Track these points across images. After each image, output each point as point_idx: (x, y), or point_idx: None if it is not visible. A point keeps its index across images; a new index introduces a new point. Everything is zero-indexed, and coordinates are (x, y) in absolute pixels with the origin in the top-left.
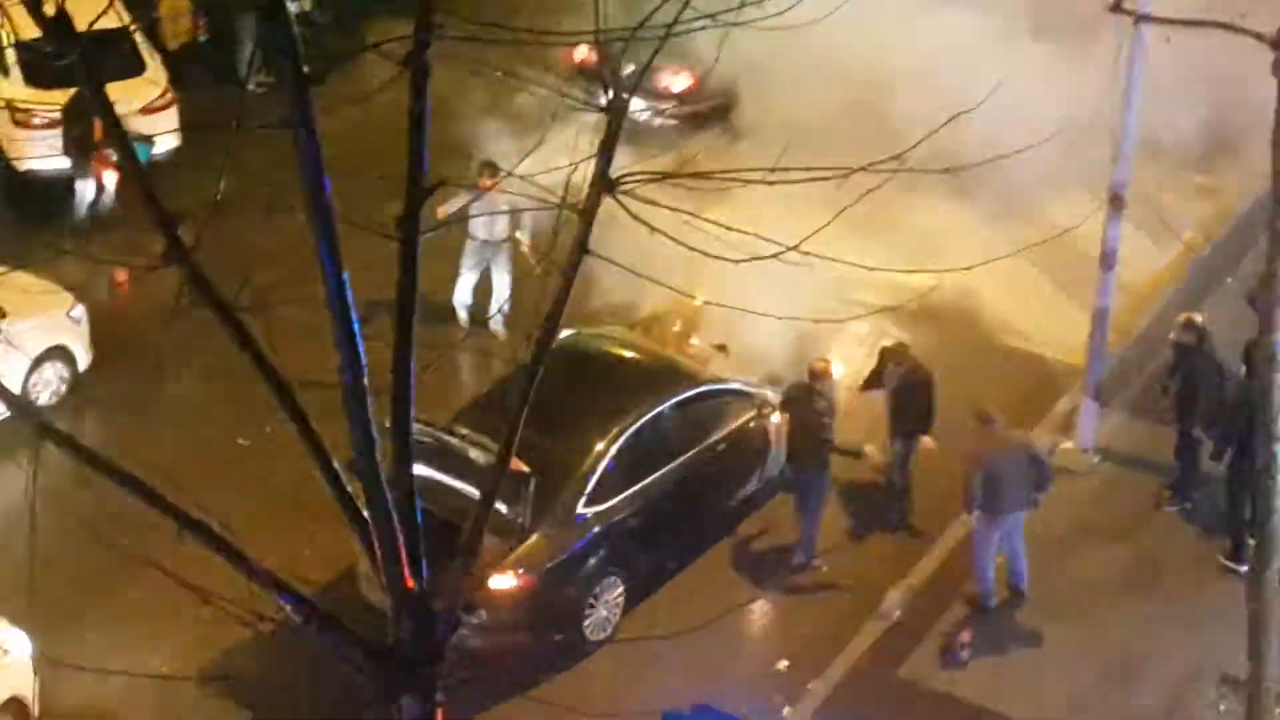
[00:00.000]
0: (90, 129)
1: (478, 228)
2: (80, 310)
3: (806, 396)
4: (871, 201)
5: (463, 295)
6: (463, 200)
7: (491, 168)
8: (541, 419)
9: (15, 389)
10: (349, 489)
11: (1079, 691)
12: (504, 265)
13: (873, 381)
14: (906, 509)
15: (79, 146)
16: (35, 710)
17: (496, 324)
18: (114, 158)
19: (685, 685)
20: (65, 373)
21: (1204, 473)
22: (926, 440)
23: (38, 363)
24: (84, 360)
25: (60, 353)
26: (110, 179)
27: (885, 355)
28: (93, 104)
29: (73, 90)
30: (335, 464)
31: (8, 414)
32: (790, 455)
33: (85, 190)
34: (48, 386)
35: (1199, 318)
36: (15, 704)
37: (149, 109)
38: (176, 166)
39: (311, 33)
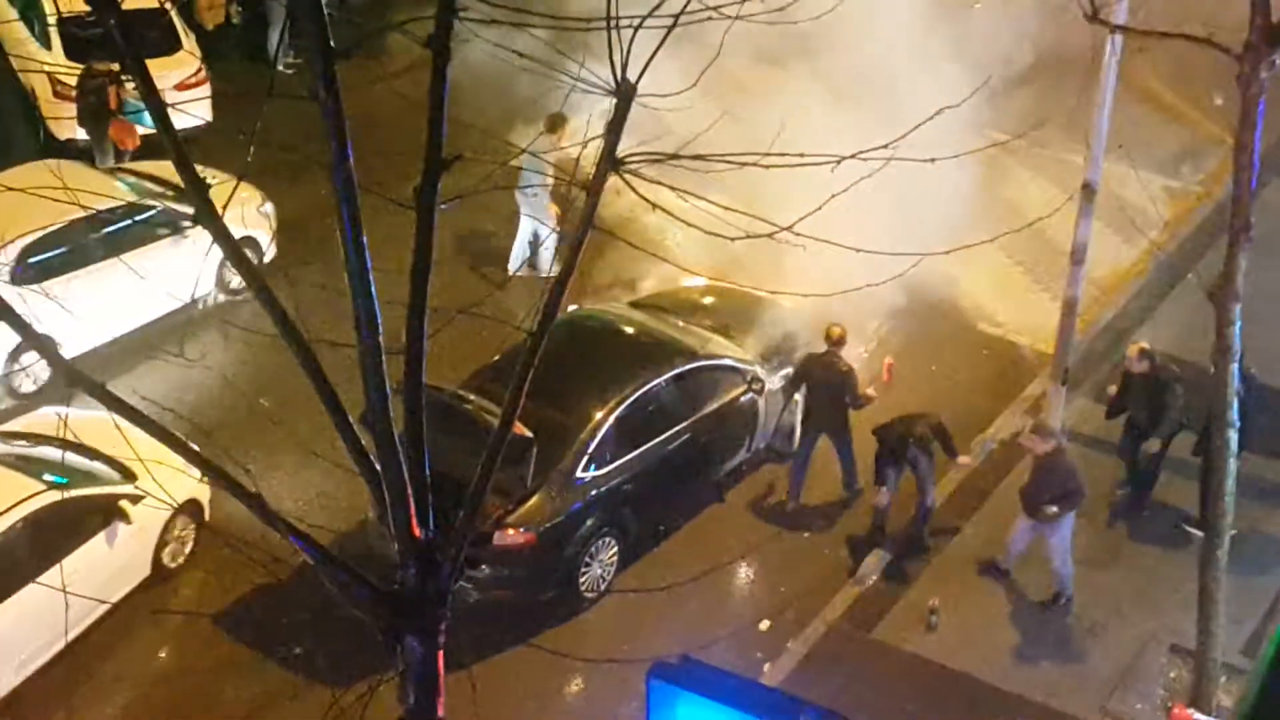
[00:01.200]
0: (105, 100)
1: (531, 178)
2: (269, 206)
3: (828, 361)
4: (861, 190)
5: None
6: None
7: (559, 119)
8: (545, 388)
9: (212, 275)
10: (362, 442)
11: (1038, 656)
12: (543, 212)
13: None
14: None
15: (94, 117)
16: (208, 513)
17: (544, 265)
18: (129, 126)
19: (673, 640)
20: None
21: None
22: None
23: None
24: (269, 252)
25: (250, 243)
26: (131, 142)
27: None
28: (119, 77)
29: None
30: (350, 419)
31: None
32: (810, 421)
33: (103, 160)
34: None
35: (1147, 345)
36: (193, 504)
37: (183, 84)
38: (207, 140)
39: (342, 12)
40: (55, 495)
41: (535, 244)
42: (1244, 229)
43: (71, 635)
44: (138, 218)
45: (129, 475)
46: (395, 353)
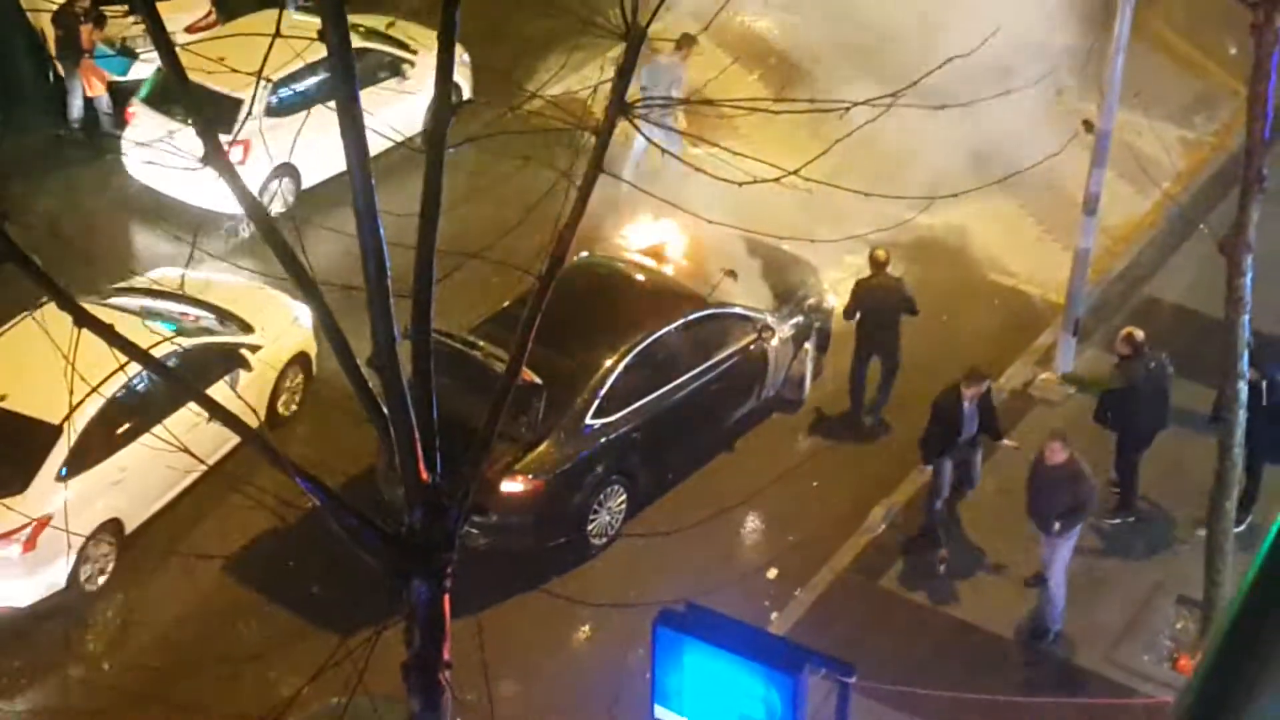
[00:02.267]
0: (76, 37)
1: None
2: (466, 56)
3: (879, 282)
4: (867, 138)
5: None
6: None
7: (689, 38)
8: (555, 335)
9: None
10: (370, 385)
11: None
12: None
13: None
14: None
15: (66, 51)
16: (314, 368)
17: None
18: (98, 70)
19: (680, 588)
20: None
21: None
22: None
23: None
24: (466, 93)
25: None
26: (98, 87)
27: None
28: (98, 16)
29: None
30: (357, 360)
31: None
32: (863, 345)
33: (72, 97)
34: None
35: (1139, 334)
36: (303, 357)
37: (193, 27)
38: None
39: None
40: (184, 342)
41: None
42: (1257, 180)
43: (196, 475)
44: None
45: (247, 327)
46: (403, 296)
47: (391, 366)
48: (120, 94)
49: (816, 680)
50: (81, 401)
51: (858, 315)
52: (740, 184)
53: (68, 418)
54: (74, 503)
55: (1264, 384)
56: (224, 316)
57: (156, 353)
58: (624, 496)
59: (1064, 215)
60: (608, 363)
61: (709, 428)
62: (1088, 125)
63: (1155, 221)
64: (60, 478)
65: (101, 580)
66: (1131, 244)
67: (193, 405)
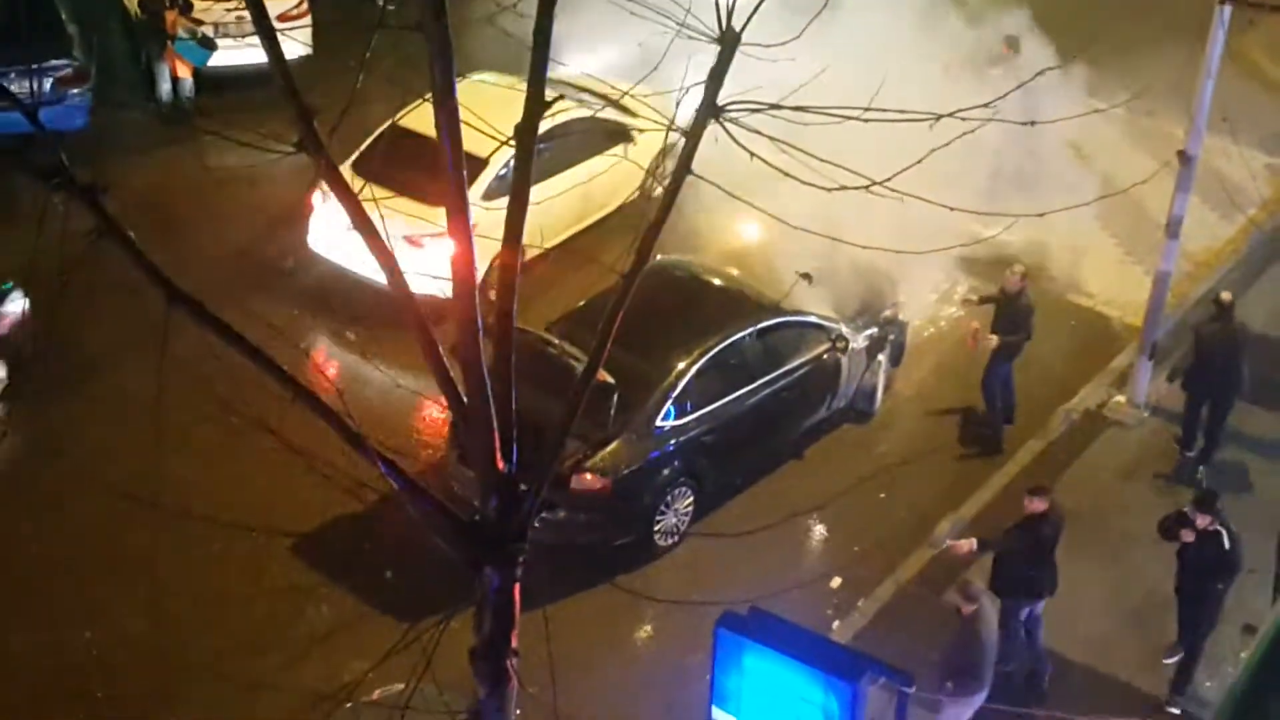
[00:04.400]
0: (161, 23)
1: None
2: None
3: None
4: (952, 155)
5: None
6: None
7: (1015, 40)
8: (629, 336)
9: None
10: (450, 374)
11: (1107, 630)
12: None
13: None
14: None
15: (151, 36)
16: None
17: None
18: (181, 56)
19: (743, 593)
20: None
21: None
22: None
23: None
24: None
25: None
26: (183, 70)
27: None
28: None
29: None
30: (440, 350)
31: None
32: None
33: (160, 80)
34: None
35: (1226, 296)
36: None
37: (285, 16)
38: (309, 71)
39: None
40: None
41: None
42: None
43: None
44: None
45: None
46: (488, 286)
47: (474, 356)
48: (204, 81)
49: (876, 690)
50: None
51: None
52: (830, 190)
53: None
54: None
55: None
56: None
57: None
58: (691, 499)
59: (1146, 238)
60: (681, 365)
61: (779, 435)
62: (1182, 156)
63: (1238, 248)
64: None
65: None
66: (1213, 269)
67: None
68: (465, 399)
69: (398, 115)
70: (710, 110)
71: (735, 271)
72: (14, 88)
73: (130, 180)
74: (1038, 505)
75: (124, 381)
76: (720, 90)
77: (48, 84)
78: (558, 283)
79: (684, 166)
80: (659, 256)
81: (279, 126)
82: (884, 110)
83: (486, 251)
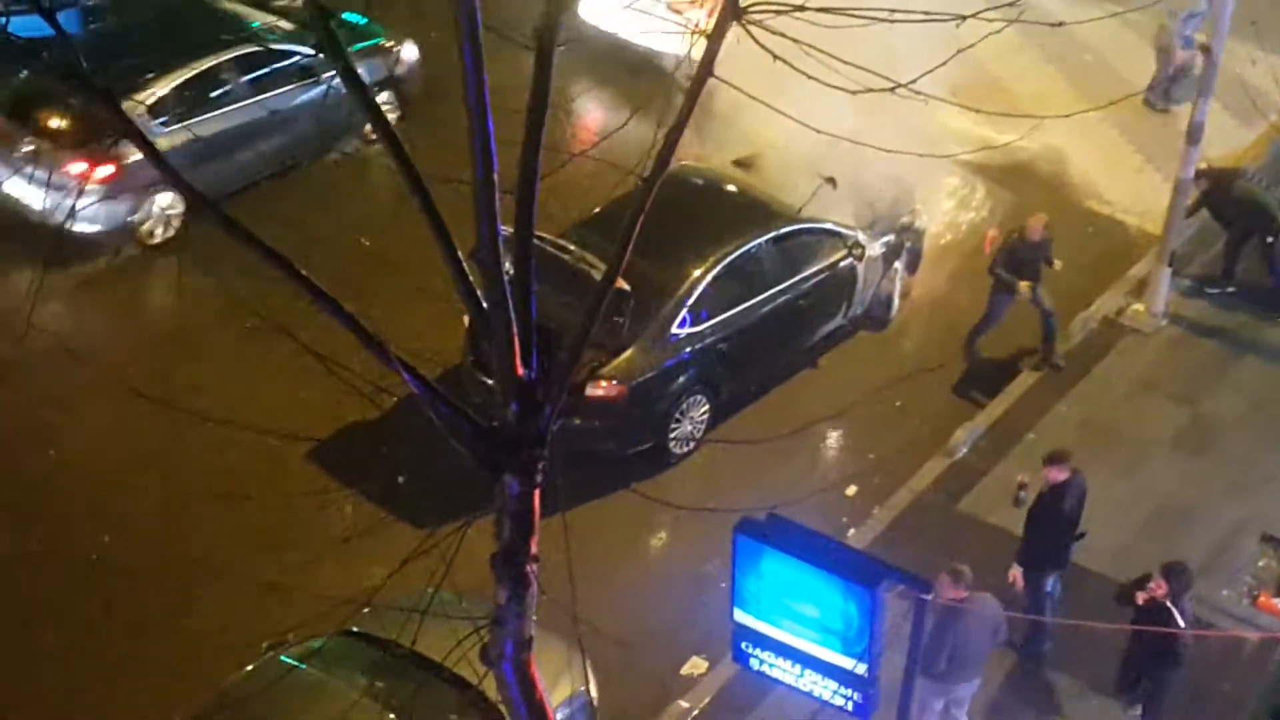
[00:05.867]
0: None
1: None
2: None
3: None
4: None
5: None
6: None
7: None
8: (644, 243)
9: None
10: (470, 278)
11: (1125, 540)
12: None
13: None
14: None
15: None
16: None
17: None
18: None
19: (759, 500)
20: None
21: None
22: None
23: None
24: None
25: None
26: None
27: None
28: None
29: None
30: (459, 254)
31: None
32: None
33: None
34: None
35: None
36: None
37: None
38: None
39: None
40: None
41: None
42: None
43: None
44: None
45: None
46: (507, 192)
47: (494, 261)
48: None
49: (892, 599)
50: None
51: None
52: (854, 92)
53: None
54: None
55: None
56: None
57: None
58: (706, 407)
59: (1166, 145)
60: (696, 273)
61: (794, 343)
62: (1205, 49)
63: (1259, 155)
64: None
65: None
66: None
67: None
68: (485, 304)
69: None
70: (733, 12)
71: (751, 178)
72: None
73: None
74: (1057, 474)
75: (140, 282)
76: None
77: None
78: (576, 188)
79: (705, 69)
80: (675, 163)
81: None
82: (909, 12)
83: None
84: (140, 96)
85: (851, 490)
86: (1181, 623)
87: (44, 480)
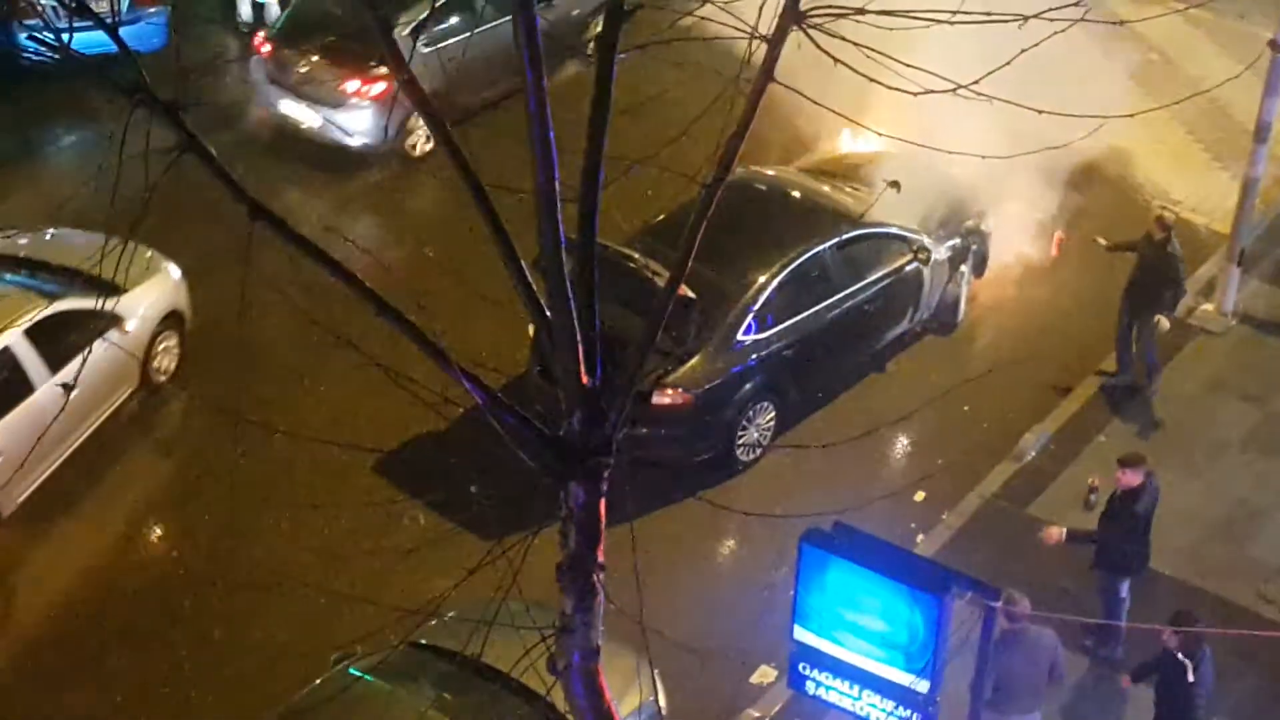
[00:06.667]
0: None
1: None
2: None
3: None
4: (1038, 60)
5: None
6: None
7: None
8: (709, 249)
9: None
10: (534, 288)
11: (1197, 538)
12: None
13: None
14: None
15: None
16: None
17: None
18: None
19: (826, 507)
20: None
21: None
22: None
23: None
24: None
25: None
26: None
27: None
28: None
29: None
30: (523, 263)
31: None
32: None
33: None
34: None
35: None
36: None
37: None
38: None
39: None
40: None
41: None
42: None
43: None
44: None
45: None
46: (569, 200)
47: (557, 269)
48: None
49: (961, 606)
50: None
51: None
52: (915, 94)
53: None
54: None
55: None
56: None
57: None
58: (773, 413)
59: (1233, 143)
60: (761, 279)
61: (861, 348)
62: (1274, 45)
63: None
64: None
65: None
66: None
67: None
68: (549, 312)
69: None
70: (792, 15)
71: (816, 183)
72: (94, 7)
73: (213, 98)
74: (1132, 478)
75: (205, 298)
76: None
77: (124, 3)
78: (638, 197)
79: (766, 74)
80: (737, 170)
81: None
82: (970, 13)
83: None
84: (405, 18)
85: (920, 496)
86: (1191, 678)
87: (111, 493)
